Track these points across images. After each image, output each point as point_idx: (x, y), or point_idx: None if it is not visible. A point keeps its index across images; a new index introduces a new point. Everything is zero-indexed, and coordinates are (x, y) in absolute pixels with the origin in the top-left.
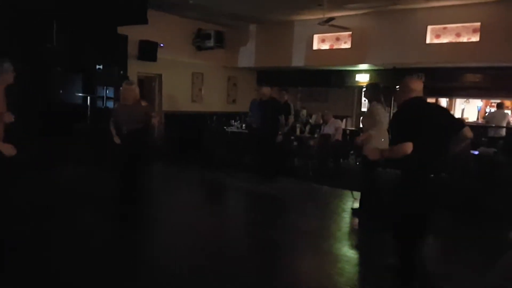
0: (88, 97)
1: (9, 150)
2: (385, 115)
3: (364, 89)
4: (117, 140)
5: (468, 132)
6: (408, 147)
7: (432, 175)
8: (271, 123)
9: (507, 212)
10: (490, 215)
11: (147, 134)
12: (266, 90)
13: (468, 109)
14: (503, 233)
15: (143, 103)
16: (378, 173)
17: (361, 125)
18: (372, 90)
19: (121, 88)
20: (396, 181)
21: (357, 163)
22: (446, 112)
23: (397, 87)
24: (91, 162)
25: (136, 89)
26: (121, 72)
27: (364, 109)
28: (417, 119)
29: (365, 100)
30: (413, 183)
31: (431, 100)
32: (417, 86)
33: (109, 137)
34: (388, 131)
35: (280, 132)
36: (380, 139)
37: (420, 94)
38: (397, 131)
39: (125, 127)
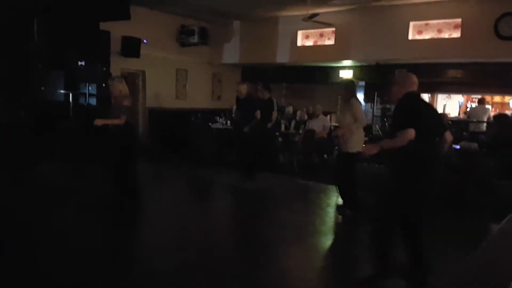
0: (71, 94)
1: None
2: (363, 112)
3: (339, 86)
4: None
5: (449, 136)
6: (411, 133)
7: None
8: (248, 120)
9: (488, 204)
10: (471, 207)
11: (128, 131)
12: (242, 88)
13: (450, 105)
14: (484, 225)
15: (125, 103)
16: (358, 168)
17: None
18: (350, 87)
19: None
20: (392, 176)
21: None
22: (436, 112)
23: (393, 81)
24: (74, 159)
25: (117, 84)
26: (104, 68)
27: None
28: (423, 113)
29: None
30: (412, 177)
31: None
32: (416, 80)
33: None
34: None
35: (249, 126)
36: (359, 136)
37: (416, 89)
38: (402, 123)
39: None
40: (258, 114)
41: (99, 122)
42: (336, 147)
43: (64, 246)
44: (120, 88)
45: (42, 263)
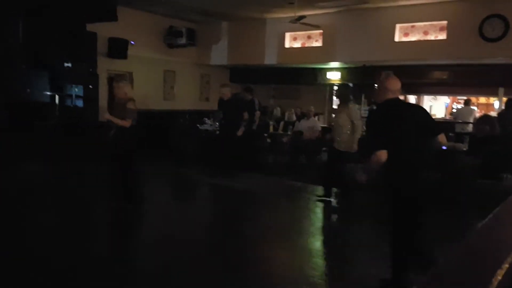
0: (57, 96)
1: None
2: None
3: (337, 89)
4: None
5: (444, 140)
6: (382, 155)
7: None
8: (233, 121)
9: (471, 202)
10: (455, 205)
11: (136, 132)
12: (226, 90)
13: (436, 106)
14: (469, 224)
15: (130, 105)
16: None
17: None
18: (348, 90)
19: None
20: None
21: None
22: (426, 115)
23: (375, 85)
24: (60, 160)
25: (125, 86)
26: (90, 69)
27: (335, 106)
28: (391, 122)
29: (339, 99)
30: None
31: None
32: (393, 85)
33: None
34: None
35: (241, 127)
36: (353, 137)
37: (397, 94)
38: (372, 134)
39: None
40: (245, 115)
41: (107, 116)
42: (324, 148)
43: (46, 245)
44: (125, 90)
45: (33, 265)
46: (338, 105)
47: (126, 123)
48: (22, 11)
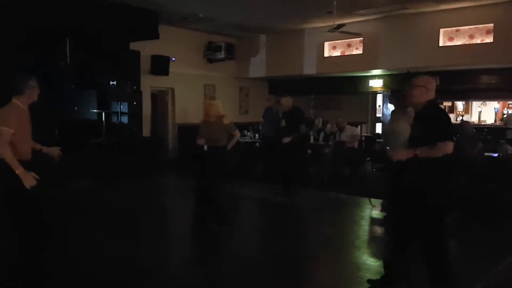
0: (103, 113)
1: (30, 180)
2: None
3: (391, 95)
4: (202, 142)
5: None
6: (451, 146)
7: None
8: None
9: None
10: (508, 215)
11: (226, 151)
12: (287, 101)
13: (485, 111)
14: None
15: (226, 121)
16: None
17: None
18: (402, 96)
19: (203, 104)
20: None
21: (374, 170)
22: None
23: (416, 83)
24: (107, 177)
25: (218, 104)
26: (135, 87)
27: (379, 114)
28: (449, 120)
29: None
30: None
31: (447, 103)
32: (434, 85)
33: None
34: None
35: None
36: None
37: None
38: (440, 133)
39: (206, 144)
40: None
41: (238, 135)
42: (368, 158)
43: (102, 258)
44: (219, 107)
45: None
46: (393, 112)
47: (239, 135)
48: (68, 33)
